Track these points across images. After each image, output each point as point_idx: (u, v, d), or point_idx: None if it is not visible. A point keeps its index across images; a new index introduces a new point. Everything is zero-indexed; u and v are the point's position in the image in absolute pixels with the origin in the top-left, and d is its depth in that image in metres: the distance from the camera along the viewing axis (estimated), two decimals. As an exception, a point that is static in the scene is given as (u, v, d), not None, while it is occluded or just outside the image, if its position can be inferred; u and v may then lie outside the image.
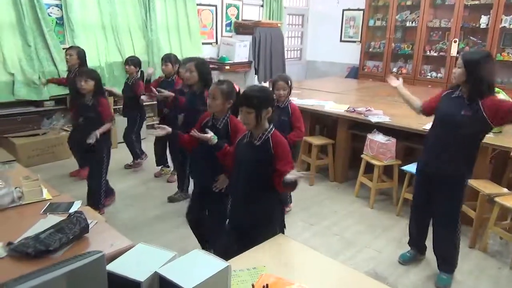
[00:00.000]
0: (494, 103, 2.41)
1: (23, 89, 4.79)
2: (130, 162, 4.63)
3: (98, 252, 0.98)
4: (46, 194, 2.08)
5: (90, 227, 1.72)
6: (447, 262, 2.72)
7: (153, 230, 3.30)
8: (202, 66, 3.15)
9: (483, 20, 6.11)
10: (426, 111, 2.80)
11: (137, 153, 4.59)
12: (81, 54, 4.06)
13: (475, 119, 2.41)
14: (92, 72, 3.33)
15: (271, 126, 2.03)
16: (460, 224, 2.65)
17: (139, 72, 4.39)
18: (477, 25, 6.21)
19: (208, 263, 0.99)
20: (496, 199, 2.99)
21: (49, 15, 5.04)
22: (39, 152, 4.62)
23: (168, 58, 4.06)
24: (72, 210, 1.92)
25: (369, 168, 3.85)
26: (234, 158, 2.16)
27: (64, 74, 4.98)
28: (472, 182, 3.22)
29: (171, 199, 3.81)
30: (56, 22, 5.16)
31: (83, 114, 3.33)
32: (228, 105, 2.45)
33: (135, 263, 1.01)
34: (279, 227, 2.10)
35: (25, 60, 4.84)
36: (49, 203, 2.01)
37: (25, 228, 1.74)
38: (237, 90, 2.51)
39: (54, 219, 1.80)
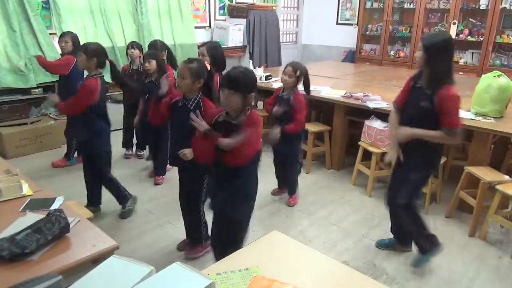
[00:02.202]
0: (444, 96, 2.25)
1: (9, 77, 4.62)
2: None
3: (54, 276, 0.87)
4: (26, 190, 1.96)
5: (71, 226, 1.61)
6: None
7: (141, 224, 3.19)
8: (214, 50, 3.15)
9: (483, 1, 5.95)
10: (399, 107, 2.55)
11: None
12: (76, 40, 3.87)
13: (433, 113, 2.29)
14: (154, 53, 3.67)
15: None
16: None
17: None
18: (476, 6, 6.05)
19: (189, 280, 0.88)
20: (498, 187, 2.91)
21: (35, -1, 4.84)
22: (27, 142, 4.48)
23: (154, 46, 3.95)
24: (53, 207, 1.81)
25: (367, 155, 3.75)
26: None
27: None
28: (472, 169, 3.15)
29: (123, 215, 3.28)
30: (42, 6, 4.96)
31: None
32: (198, 85, 2.36)
33: (104, 282, 0.89)
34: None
35: (10, 46, 4.65)
36: (29, 199, 1.89)
37: (2, 227, 1.63)
38: (209, 68, 2.42)
39: (33, 217, 1.69)
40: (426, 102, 2.30)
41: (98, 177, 3.12)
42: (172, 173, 3.81)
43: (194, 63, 2.36)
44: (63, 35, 3.89)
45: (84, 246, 1.54)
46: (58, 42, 3.92)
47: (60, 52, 4.04)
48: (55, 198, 1.90)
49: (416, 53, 2.33)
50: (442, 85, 2.26)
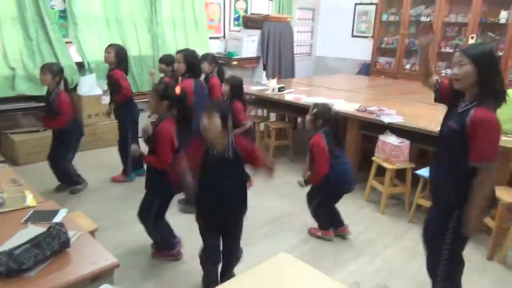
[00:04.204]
0: (480, 117, 1.77)
1: (24, 84, 4.67)
2: None
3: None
4: (30, 201, 1.92)
5: (72, 241, 1.56)
6: None
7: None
8: (189, 57, 3.49)
9: (503, 15, 5.83)
10: (440, 92, 2.10)
11: None
12: (119, 52, 3.87)
13: (461, 136, 1.84)
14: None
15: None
16: None
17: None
18: (495, 20, 5.93)
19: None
20: (518, 208, 2.78)
21: (52, 8, 4.90)
22: (39, 149, 4.49)
23: (204, 58, 4.08)
24: (56, 219, 1.77)
25: (380, 170, 3.65)
26: (206, 172, 2.17)
27: (66, 69, 4.87)
28: (491, 189, 3.01)
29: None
30: (59, 15, 5.02)
31: None
32: (162, 107, 2.51)
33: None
34: None
35: (26, 54, 4.71)
36: (32, 211, 1.86)
37: (3, 240, 1.59)
38: (178, 92, 2.55)
39: (34, 230, 1.65)
40: (454, 122, 1.89)
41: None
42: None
43: (160, 84, 2.61)
44: (109, 46, 3.93)
45: (83, 262, 1.48)
46: (104, 52, 3.95)
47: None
48: (59, 210, 1.86)
49: (455, 70, 1.86)
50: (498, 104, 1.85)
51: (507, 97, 1.88)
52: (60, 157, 3.70)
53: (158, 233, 2.77)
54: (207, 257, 2.37)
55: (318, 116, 2.93)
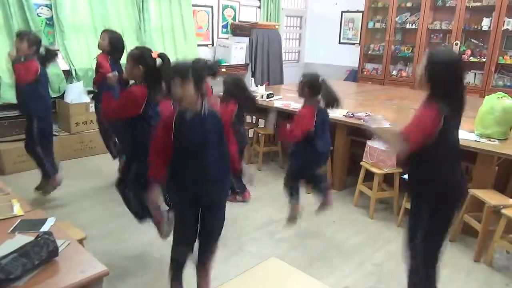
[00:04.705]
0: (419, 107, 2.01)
1: (10, 92, 4.60)
2: None
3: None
4: (17, 210, 1.90)
5: (60, 250, 1.55)
6: None
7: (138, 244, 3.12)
8: (114, 37, 3.69)
9: (485, 23, 5.98)
10: None
11: None
12: (114, 40, 3.65)
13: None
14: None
15: None
16: None
17: None
18: (478, 28, 6.08)
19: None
20: (503, 211, 2.83)
21: (39, 15, 4.88)
22: (25, 158, 4.40)
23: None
24: (44, 228, 1.75)
25: (369, 175, 3.69)
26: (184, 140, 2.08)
27: (53, 78, 4.84)
28: (477, 192, 3.07)
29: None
30: (46, 22, 4.99)
31: None
32: (137, 71, 2.49)
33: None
34: None
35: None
36: (19, 220, 1.83)
37: (-11, 250, 1.56)
38: (155, 56, 2.53)
39: (22, 239, 1.62)
40: None
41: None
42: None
43: (137, 49, 2.58)
44: (104, 31, 3.76)
45: (72, 271, 1.47)
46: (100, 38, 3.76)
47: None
48: (46, 219, 1.84)
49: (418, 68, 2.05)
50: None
51: (463, 102, 1.97)
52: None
53: (135, 202, 2.70)
54: (182, 239, 2.19)
55: (303, 85, 2.99)
